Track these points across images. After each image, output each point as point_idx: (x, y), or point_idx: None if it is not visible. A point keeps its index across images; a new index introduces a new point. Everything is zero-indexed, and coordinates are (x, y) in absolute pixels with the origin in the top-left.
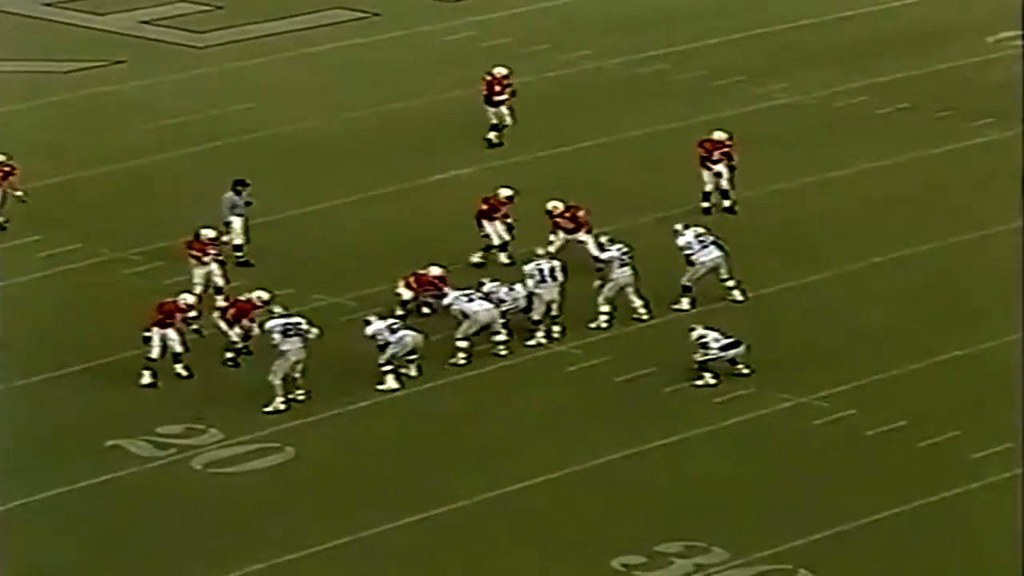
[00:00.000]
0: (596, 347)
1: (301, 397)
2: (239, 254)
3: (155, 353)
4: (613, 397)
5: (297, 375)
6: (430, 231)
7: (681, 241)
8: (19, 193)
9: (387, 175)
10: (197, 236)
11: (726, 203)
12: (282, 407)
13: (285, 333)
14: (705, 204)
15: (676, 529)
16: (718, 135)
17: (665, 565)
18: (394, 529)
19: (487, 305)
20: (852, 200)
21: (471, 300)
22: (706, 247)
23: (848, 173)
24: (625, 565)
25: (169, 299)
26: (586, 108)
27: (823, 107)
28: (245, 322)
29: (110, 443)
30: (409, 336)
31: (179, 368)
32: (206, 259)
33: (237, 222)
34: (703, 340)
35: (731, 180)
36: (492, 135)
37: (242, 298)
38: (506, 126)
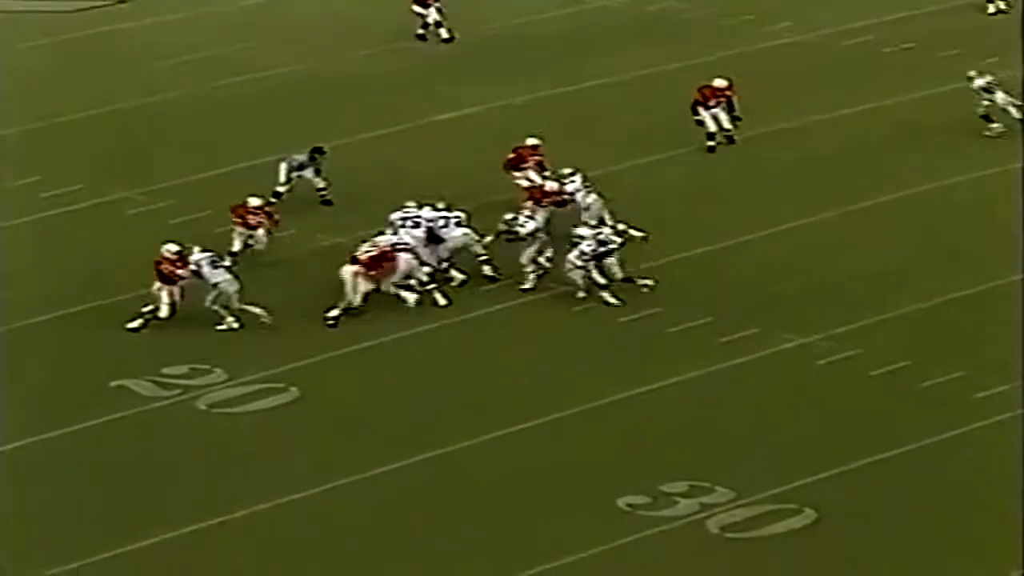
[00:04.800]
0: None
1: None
2: (275, 200)
3: (164, 312)
4: (618, 337)
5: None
6: (445, 168)
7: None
8: None
9: (395, 112)
10: (243, 203)
11: (728, 132)
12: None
13: (213, 265)
14: (710, 143)
15: (681, 469)
16: (718, 82)
17: (670, 505)
18: (398, 469)
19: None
20: (857, 139)
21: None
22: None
23: (853, 112)
24: (630, 505)
25: (166, 256)
26: (592, 47)
27: (829, 46)
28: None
29: (115, 383)
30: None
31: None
32: (252, 223)
33: (282, 176)
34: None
35: (732, 121)
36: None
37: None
38: None
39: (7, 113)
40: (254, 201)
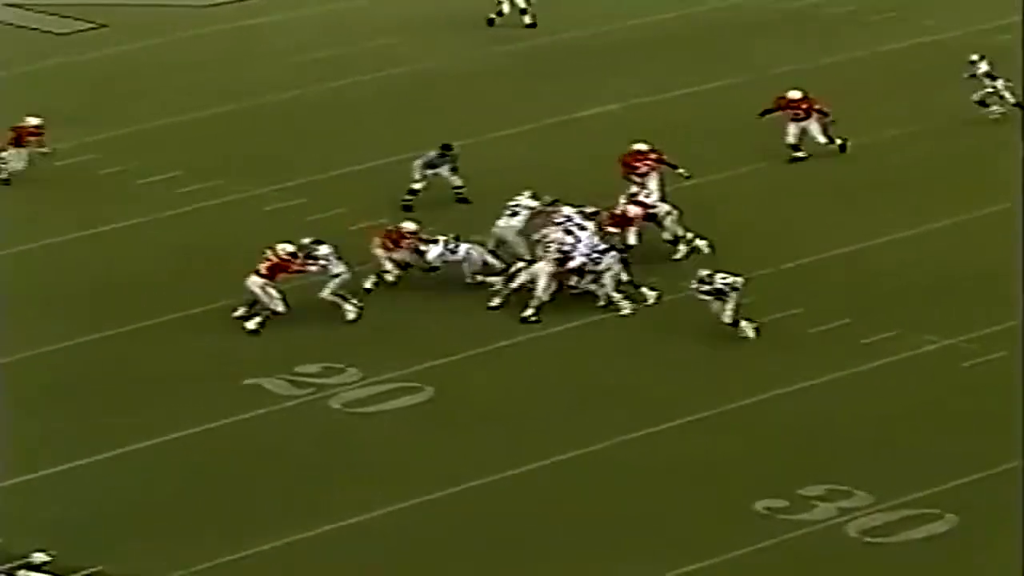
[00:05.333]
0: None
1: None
2: (409, 198)
3: (280, 308)
4: (757, 338)
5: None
6: (568, 166)
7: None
8: (45, 150)
9: (523, 112)
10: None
11: (837, 142)
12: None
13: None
14: (797, 154)
15: (819, 472)
16: (793, 94)
17: (808, 509)
18: (539, 469)
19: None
20: (992, 140)
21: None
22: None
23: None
24: (768, 508)
25: (281, 256)
26: (729, 43)
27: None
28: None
29: (248, 381)
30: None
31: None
32: (397, 252)
33: (416, 174)
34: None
35: (824, 132)
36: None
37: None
38: None
39: (144, 108)
40: (409, 226)
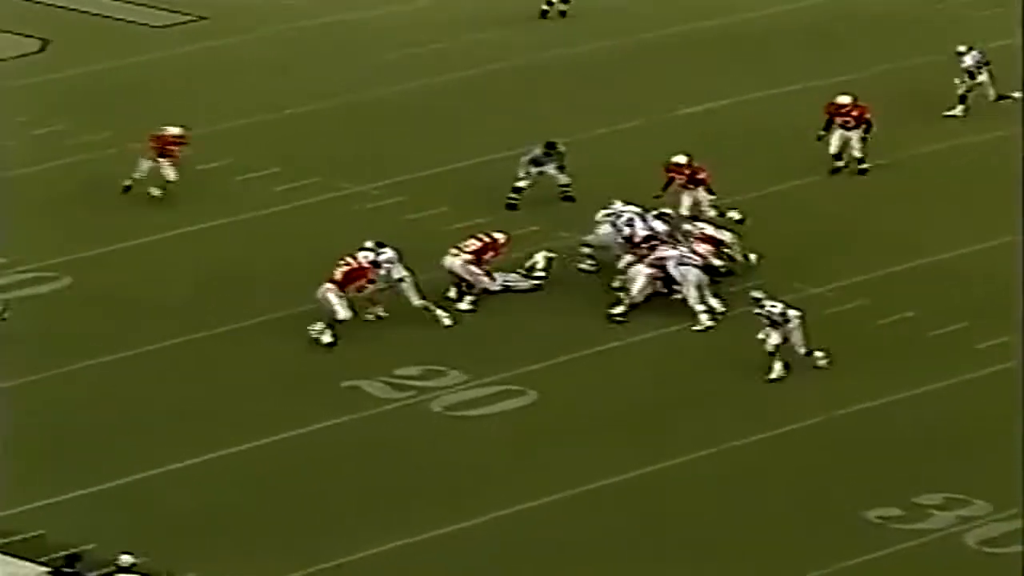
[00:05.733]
0: (853, 289)
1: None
2: (515, 196)
3: (342, 315)
4: (871, 342)
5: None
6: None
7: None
8: (171, 178)
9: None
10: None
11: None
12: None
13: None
14: (838, 164)
15: (935, 480)
16: (842, 99)
17: (924, 518)
18: (646, 475)
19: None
20: None
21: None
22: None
23: None
24: (882, 517)
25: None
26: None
27: None
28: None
29: (347, 384)
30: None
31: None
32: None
33: (521, 172)
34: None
35: (861, 143)
36: None
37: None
38: None
39: (241, 104)
40: (499, 237)
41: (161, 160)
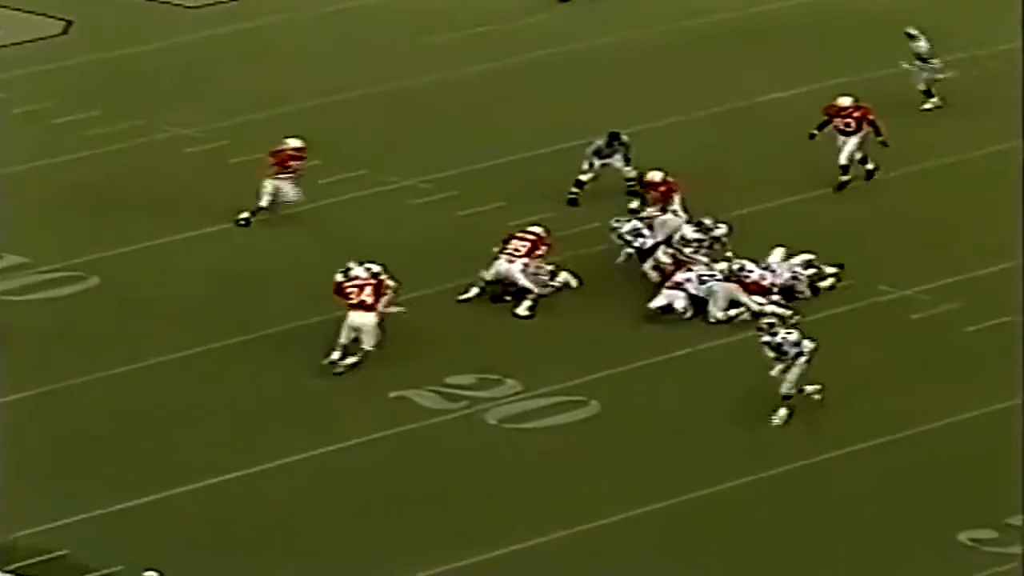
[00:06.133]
0: (945, 292)
1: None
2: (576, 191)
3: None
4: (960, 349)
5: None
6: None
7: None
8: (291, 197)
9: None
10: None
11: (842, 177)
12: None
13: None
14: (843, 177)
15: None
16: (842, 100)
17: (1019, 540)
18: (716, 493)
19: None
20: None
21: None
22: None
23: None
24: (974, 540)
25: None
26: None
27: None
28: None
29: (395, 394)
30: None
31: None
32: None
33: (585, 164)
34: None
35: (857, 150)
36: None
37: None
38: None
39: (276, 91)
40: (539, 231)
41: (281, 178)
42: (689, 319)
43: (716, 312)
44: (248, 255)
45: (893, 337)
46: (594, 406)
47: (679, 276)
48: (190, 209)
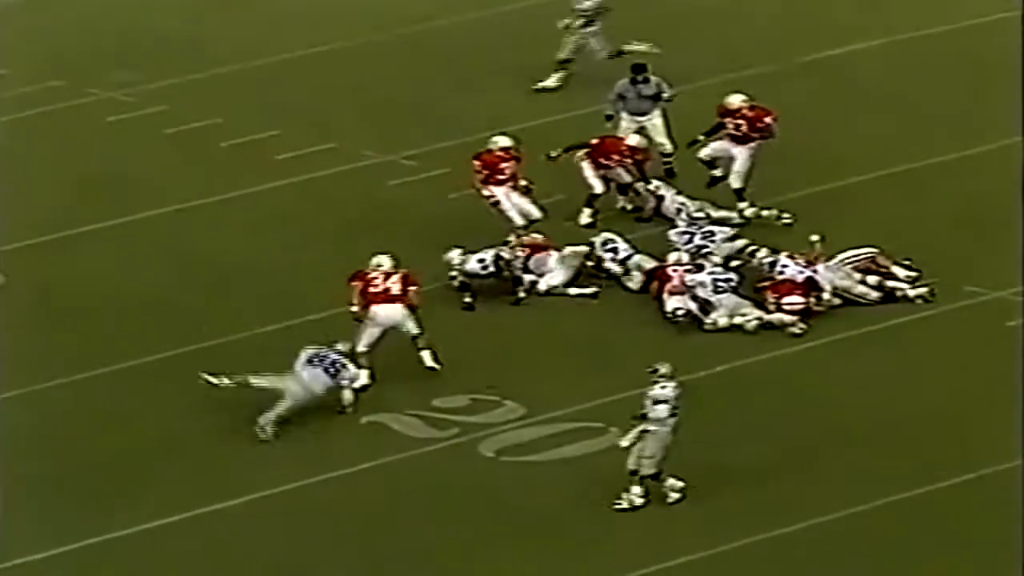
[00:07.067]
0: None
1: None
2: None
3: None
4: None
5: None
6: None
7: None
8: (536, 216)
9: None
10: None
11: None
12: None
13: None
14: (714, 172)
15: None
16: (733, 99)
17: None
18: (790, 535)
19: None
20: None
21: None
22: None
23: None
24: None
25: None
26: None
27: None
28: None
29: (367, 419)
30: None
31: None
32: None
33: (627, 121)
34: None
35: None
36: None
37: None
38: None
39: (233, 46)
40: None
41: (493, 190)
42: (713, 331)
43: (718, 319)
44: (177, 247)
45: (982, 344)
46: (614, 434)
47: (688, 277)
48: (143, 191)
